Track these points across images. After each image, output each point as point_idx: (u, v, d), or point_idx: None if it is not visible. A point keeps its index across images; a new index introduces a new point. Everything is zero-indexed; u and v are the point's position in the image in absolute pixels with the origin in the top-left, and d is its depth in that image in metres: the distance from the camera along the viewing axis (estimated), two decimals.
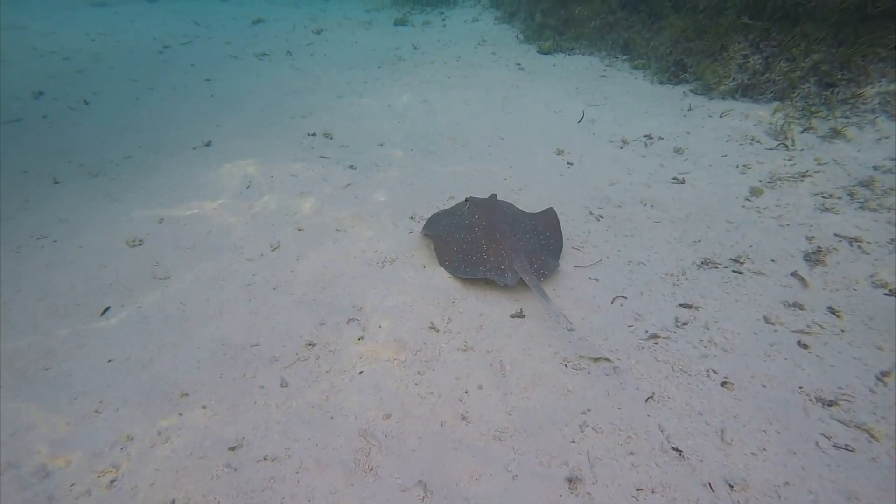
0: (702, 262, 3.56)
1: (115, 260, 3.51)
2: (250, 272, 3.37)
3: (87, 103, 6.69)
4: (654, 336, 2.93)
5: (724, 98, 5.90)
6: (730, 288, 3.32)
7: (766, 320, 3.02)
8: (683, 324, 3.04)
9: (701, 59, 6.32)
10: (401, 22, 11.63)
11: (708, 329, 2.98)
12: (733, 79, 5.93)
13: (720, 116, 5.52)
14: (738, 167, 4.67)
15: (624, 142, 5.21)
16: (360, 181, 4.58)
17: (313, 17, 12.62)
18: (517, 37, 9.24)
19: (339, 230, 3.81)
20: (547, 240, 3.50)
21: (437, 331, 2.84)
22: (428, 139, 5.52)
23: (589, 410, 2.45)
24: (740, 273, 3.43)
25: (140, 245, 3.66)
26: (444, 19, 11.74)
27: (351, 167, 4.96)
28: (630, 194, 4.35)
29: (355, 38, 10.38)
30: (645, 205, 4.23)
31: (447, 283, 3.23)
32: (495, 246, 3.25)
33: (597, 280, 3.40)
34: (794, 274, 3.37)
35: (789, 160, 4.65)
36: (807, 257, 3.50)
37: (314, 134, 5.68)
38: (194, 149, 5.26)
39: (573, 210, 4.12)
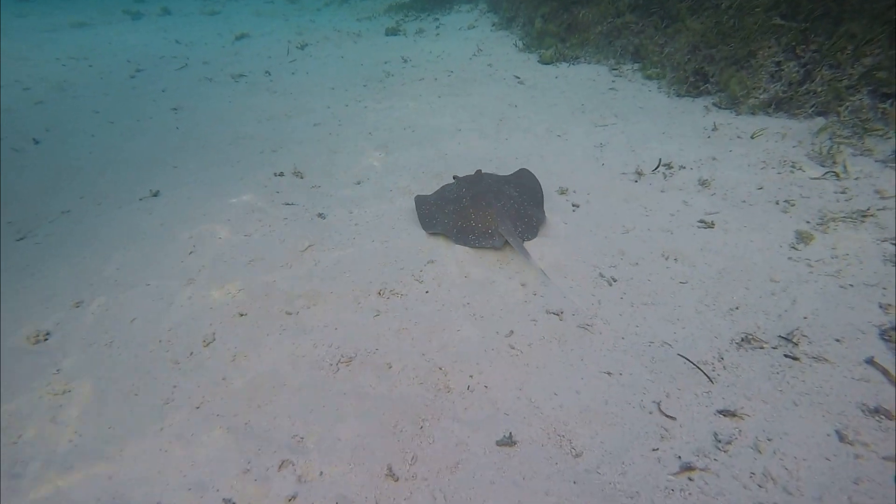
0: (742, 340, 2.86)
1: (6, 365, 2.90)
2: (172, 382, 2.74)
3: (36, 142, 6.16)
4: (689, 468, 2.23)
5: (753, 113, 5.16)
6: (783, 382, 2.61)
7: (841, 437, 2.31)
8: (726, 443, 2.34)
9: (725, 68, 5.59)
10: (392, 31, 11.04)
11: (760, 452, 2.29)
12: (764, 90, 5.19)
13: (751, 137, 4.79)
14: (778, 203, 3.94)
15: (639, 173, 4.50)
16: (325, 240, 3.94)
17: (300, 31, 12.09)
18: (516, 45, 8.56)
19: (289, 314, 3.16)
20: (528, 201, 3.88)
21: (397, 479, 2.17)
22: (411, 175, 4.88)
23: None
24: (795, 359, 2.71)
25: (45, 341, 3.06)
26: (438, 27, 11.11)
27: (320, 216, 4.34)
28: (648, 245, 3.65)
29: (342, 52, 9.80)
30: (667, 259, 3.53)
31: (414, 394, 2.57)
32: (482, 214, 3.67)
33: (609, 374, 2.72)
34: (870, 361, 2.65)
35: (842, 193, 3.91)
36: (884, 335, 2.77)
37: (282, 174, 5.07)
38: (140, 200, 4.67)
39: (580, 271, 3.43)
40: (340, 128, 6.09)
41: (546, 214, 4.00)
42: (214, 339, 2.99)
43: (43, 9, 18.22)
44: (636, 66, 6.81)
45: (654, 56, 6.51)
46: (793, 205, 3.89)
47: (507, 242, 3.54)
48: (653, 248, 3.62)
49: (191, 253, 3.79)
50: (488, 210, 3.66)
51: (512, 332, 2.98)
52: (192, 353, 2.92)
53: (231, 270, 3.61)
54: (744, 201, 4.05)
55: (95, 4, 19.21)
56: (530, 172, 4.13)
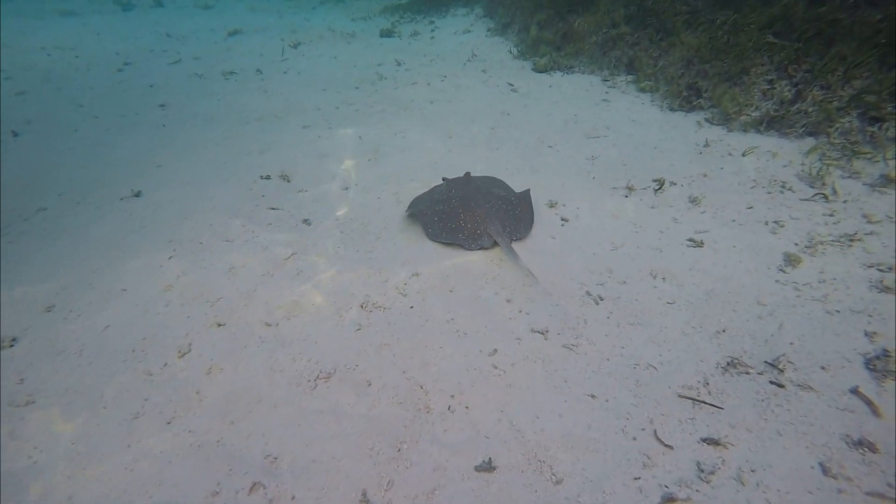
0: (728, 364, 2.85)
1: None
2: (143, 395, 2.65)
3: (15, 135, 6.02)
4: (671, 499, 2.20)
5: (745, 131, 5.17)
6: (768, 410, 2.59)
7: (825, 470, 2.29)
8: (709, 473, 2.31)
9: (718, 84, 5.60)
10: (387, 33, 10.97)
11: (743, 484, 2.26)
12: (756, 108, 5.21)
13: (742, 155, 4.79)
14: (767, 224, 3.94)
15: (630, 188, 4.48)
16: (308, 247, 3.87)
17: (294, 29, 11.97)
18: (510, 51, 8.53)
19: (269, 325, 3.09)
20: (520, 210, 3.92)
21: None
22: (399, 182, 4.81)
23: None
24: (781, 386, 2.70)
25: (11, 347, 2.95)
26: (433, 30, 11.07)
27: (305, 222, 4.27)
28: (637, 263, 3.62)
29: (335, 53, 9.71)
30: (655, 278, 3.50)
31: (393, 414, 2.51)
32: (470, 214, 3.77)
33: (592, 397, 2.68)
34: (855, 391, 2.63)
35: (831, 216, 3.91)
36: (869, 364, 2.76)
37: (268, 177, 4.98)
38: (122, 199, 4.56)
39: (567, 288, 3.40)
40: (330, 131, 6.01)
41: (535, 226, 3.97)
42: (190, 350, 2.91)
43: None
44: (630, 77, 6.81)
45: (648, 69, 6.51)
46: (782, 226, 3.89)
47: (495, 243, 3.63)
48: (641, 267, 3.60)
49: (170, 258, 3.70)
50: (477, 211, 3.78)
51: (496, 350, 2.94)
52: (165, 364, 2.83)
53: (210, 278, 3.52)
54: (733, 220, 4.04)
55: None
56: (528, 194, 4.15)
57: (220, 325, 3.09)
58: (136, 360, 2.87)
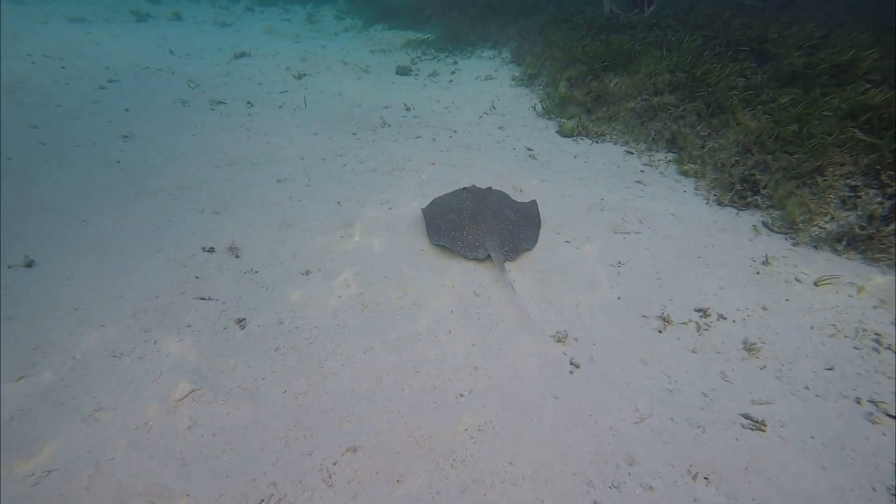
0: None
1: None
2: None
3: None
4: None
5: (817, 247, 4.20)
6: None
7: None
8: None
9: (782, 181, 4.67)
10: (403, 71, 10.32)
11: None
12: (833, 219, 4.25)
13: (815, 284, 3.81)
14: (859, 402, 2.93)
15: (665, 319, 3.50)
16: (219, 379, 2.95)
17: (305, 57, 11.42)
18: (534, 107, 7.73)
19: None
20: (524, 230, 4.21)
21: None
22: (376, 273, 3.91)
23: None
24: None
25: None
26: (454, 71, 10.39)
27: (238, 323, 3.39)
28: (670, 450, 2.63)
29: (340, 89, 9.03)
30: (696, 479, 2.50)
31: None
32: (475, 227, 4.09)
33: None
34: None
35: None
36: None
37: (212, 249, 4.14)
38: (9, 268, 3.71)
39: (563, 487, 2.40)
40: (307, 190, 5.18)
41: (533, 376, 3.00)
42: None
43: None
44: (671, 156, 5.91)
45: (693, 149, 5.61)
46: (882, 406, 2.87)
47: (489, 257, 3.96)
48: (675, 457, 2.60)
49: (20, 380, 2.79)
50: (482, 225, 4.10)
51: None
52: None
53: (58, 422, 2.59)
54: (807, 387, 3.04)
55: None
56: (535, 205, 4.57)
57: None
58: None
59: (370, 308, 3.59)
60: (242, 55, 11.37)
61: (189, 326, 3.32)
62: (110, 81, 8.71)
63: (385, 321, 3.46)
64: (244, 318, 3.45)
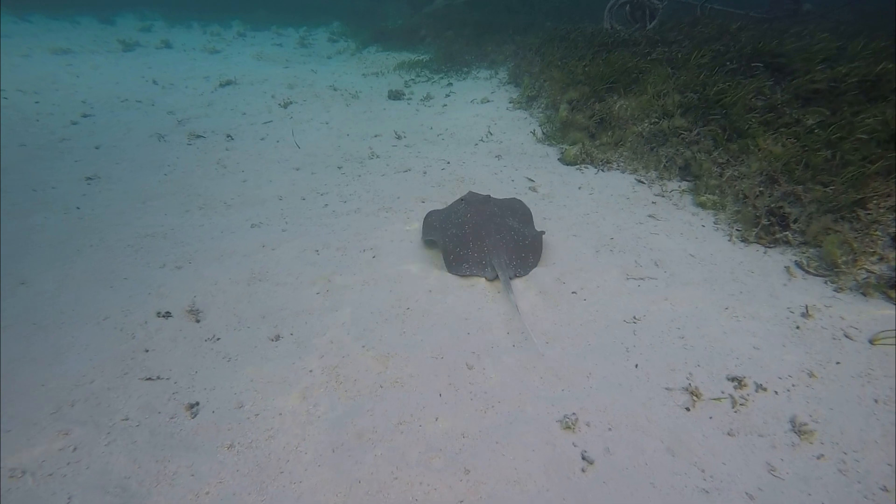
0: None
1: None
2: None
3: None
4: None
5: (865, 294, 3.68)
6: None
7: None
8: None
9: (816, 215, 4.16)
10: (395, 95, 9.94)
11: None
12: (881, 258, 3.73)
13: (871, 343, 3.28)
14: None
15: (693, 393, 2.98)
16: (159, 486, 2.43)
17: (292, 83, 11.08)
18: (534, 132, 7.28)
19: None
20: (528, 243, 4.16)
21: None
22: (354, 337, 3.42)
23: None
24: None
25: None
26: (448, 94, 10.00)
27: (189, 409, 2.91)
28: None
29: (328, 118, 8.64)
30: None
31: None
32: (479, 243, 4.06)
33: None
34: None
35: None
36: None
37: (168, 314, 3.66)
38: None
39: None
40: (283, 236, 4.71)
41: (535, 479, 2.47)
42: None
43: (36, 29, 17.81)
44: (685, 185, 5.42)
45: (710, 178, 5.12)
46: None
47: (497, 277, 3.88)
48: None
49: None
50: (487, 240, 4.06)
51: None
52: None
53: None
54: (885, 489, 2.49)
55: (94, 30, 18.85)
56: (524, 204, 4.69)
57: None
58: None
59: (344, 386, 3.08)
60: (228, 83, 11.03)
61: (126, 420, 2.82)
62: (84, 116, 8.35)
63: (361, 405, 2.95)
64: (197, 403, 2.96)
